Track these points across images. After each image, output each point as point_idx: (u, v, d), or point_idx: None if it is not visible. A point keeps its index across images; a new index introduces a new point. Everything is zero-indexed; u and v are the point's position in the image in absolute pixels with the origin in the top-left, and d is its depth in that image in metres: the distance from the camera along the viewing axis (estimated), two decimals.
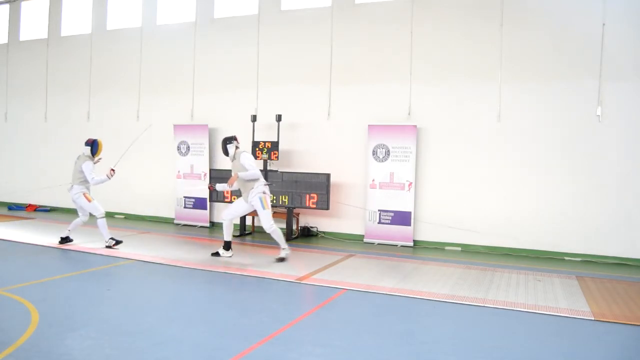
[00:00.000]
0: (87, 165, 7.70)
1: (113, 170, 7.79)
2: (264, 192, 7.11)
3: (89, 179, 7.69)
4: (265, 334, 4.21)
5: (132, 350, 3.78)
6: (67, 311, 4.70)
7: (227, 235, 7.30)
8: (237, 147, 7.29)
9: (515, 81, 8.52)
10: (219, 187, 7.43)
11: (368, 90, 9.51)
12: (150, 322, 4.51)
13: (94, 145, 7.88)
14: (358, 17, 9.67)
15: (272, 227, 7.06)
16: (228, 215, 7.30)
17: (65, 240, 7.96)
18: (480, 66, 8.74)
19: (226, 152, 7.32)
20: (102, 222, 7.71)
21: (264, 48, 10.45)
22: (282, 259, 7.17)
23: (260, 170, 9.47)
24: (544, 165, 8.34)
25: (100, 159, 8.01)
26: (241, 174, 6.96)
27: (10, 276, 5.96)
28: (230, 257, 7.29)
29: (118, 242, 7.82)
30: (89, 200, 7.75)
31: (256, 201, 7.05)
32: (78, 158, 7.89)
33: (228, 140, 7.30)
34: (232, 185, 7.08)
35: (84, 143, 7.96)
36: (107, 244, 7.75)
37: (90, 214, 7.92)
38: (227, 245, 7.33)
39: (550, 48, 8.35)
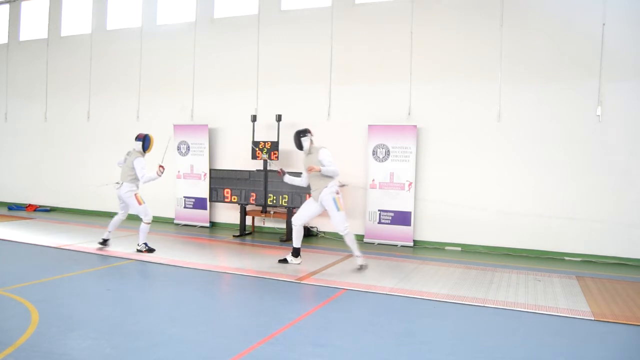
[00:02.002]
0: (139, 162, 7.31)
1: (162, 167, 7.35)
2: (338, 192, 6.61)
3: (139, 175, 7.31)
4: (265, 334, 4.21)
5: (132, 350, 3.78)
6: (67, 311, 4.70)
7: (297, 242, 6.89)
8: (311, 141, 6.82)
9: (515, 81, 8.52)
10: (287, 178, 7.05)
11: (368, 90, 9.51)
12: (150, 322, 4.51)
13: (145, 141, 7.47)
14: (358, 17, 9.67)
15: (347, 229, 6.57)
16: (298, 219, 6.81)
17: (105, 242, 7.66)
18: (480, 66, 8.74)
19: (300, 146, 6.81)
20: (145, 228, 7.41)
21: (264, 48, 10.45)
22: (362, 267, 6.67)
23: (260, 170, 9.57)
24: (544, 165, 8.34)
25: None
26: (324, 169, 6.48)
27: (10, 276, 5.96)
28: (299, 264, 6.92)
29: (151, 250, 7.46)
30: (140, 203, 7.39)
31: (329, 202, 6.55)
32: (128, 154, 7.49)
33: (302, 133, 6.79)
34: (309, 172, 6.59)
35: (134, 138, 7.60)
36: (138, 248, 7.47)
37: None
38: (296, 252, 6.93)
39: (550, 48, 8.35)
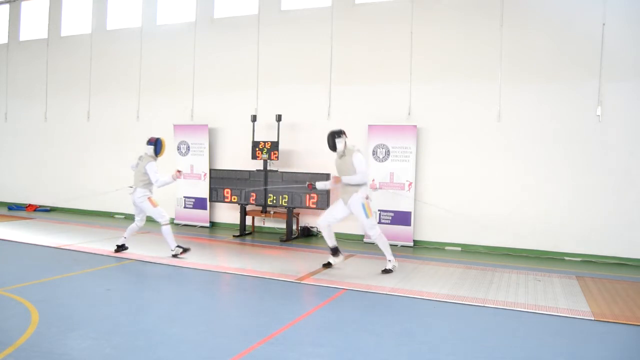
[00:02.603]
0: (152, 166, 7.10)
1: (179, 171, 7.23)
2: (367, 197, 6.45)
3: (153, 180, 7.12)
4: (265, 334, 4.21)
5: (132, 350, 3.78)
6: (67, 311, 4.70)
7: (331, 241, 6.70)
8: (346, 143, 6.59)
9: (515, 81, 8.52)
10: (320, 185, 6.87)
11: (368, 90, 9.51)
12: (150, 322, 4.51)
13: (157, 145, 7.27)
14: (358, 17, 9.67)
15: (377, 234, 6.43)
16: (324, 221, 6.65)
17: (121, 248, 7.44)
18: (480, 66, 8.74)
19: (334, 147, 6.58)
20: (166, 230, 7.15)
21: (264, 48, 10.45)
22: (388, 271, 6.54)
23: (260, 170, 9.57)
24: (544, 165, 8.34)
25: None
26: (345, 179, 6.41)
27: (10, 276, 5.96)
28: (342, 261, 6.79)
29: (186, 250, 7.23)
30: (154, 206, 7.18)
31: (358, 207, 6.40)
32: (140, 159, 7.31)
33: (337, 134, 6.56)
34: (336, 184, 6.56)
35: (145, 142, 7.40)
36: (173, 253, 7.18)
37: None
38: (335, 251, 6.73)
39: (550, 48, 8.35)
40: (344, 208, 6.58)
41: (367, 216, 6.39)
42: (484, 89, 8.70)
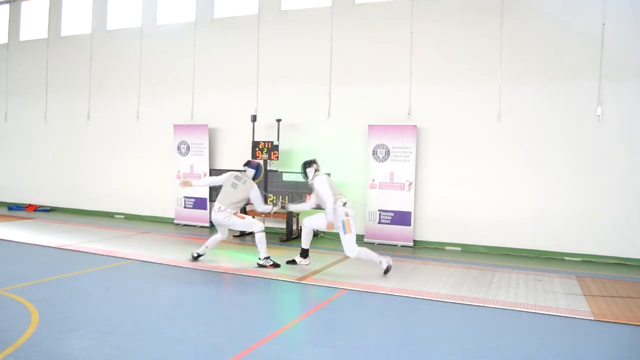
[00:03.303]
0: (257, 194, 6.88)
1: (284, 204, 7.40)
2: (347, 214, 6.41)
3: (256, 207, 6.99)
4: (265, 334, 4.21)
5: (132, 350, 3.78)
6: (67, 311, 4.70)
7: (305, 243, 6.82)
8: (316, 170, 6.82)
9: (515, 81, 8.52)
10: (292, 208, 7.19)
11: (368, 90, 9.51)
12: (150, 322, 4.51)
13: (258, 170, 7.10)
14: (358, 17, 9.67)
15: (355, 251, 6.40)
16: (310, 226, 6.80)
17: (198, 257, 7.05)
18: (480, 66, 8.74)
19: (305, 176, 6.91)
20: (260, 238, 6.75)
21: (264, 48, 10.45)
22: (387, 270, 6.46)
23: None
24: (544, 165, 8.34)
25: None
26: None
27: (10, 276, 5.95)
28: (307, 264, 6.84)
29: (276, 266, 6.74)
30: (243, 218, 6.89)
31: (338, 223, 6.43)
32: (238, 179, 6.90)
33: (307, 164, 6.84)
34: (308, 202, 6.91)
35: (243, 164, 7.22)
36: (260, 263, 6.78)
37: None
38: (305, 253, 6.86)
39: (550, 48, 8.35)
40: (325, 221, 6.53)
41: (345, 232, 6.38)
42: (484, 89, 8.70)
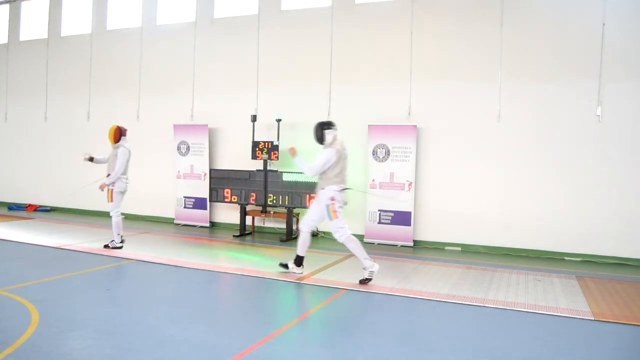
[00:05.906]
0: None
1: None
2: (332, 199, 5.92)
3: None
4: (265, 334, 4.21)
5: (132, 350, 3.78)
6: (67, 311, 4.70)
7: (301, 250, 6.22)
8: (335, 136, 6.10)
9: (515, 81, 8.52)
10: (297, 160, 6.26)
11: (368, 90, 9.50)
12: (150, 322, 4.51)
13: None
14: (358, 17, 9.67)
15: (343, 238, 5.94)
16: (304, 225, 6.24)
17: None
18: (480, 66, 8.74)
19: (321, 140, 6.12)
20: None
21: (264, 48, 10.45)
22: (365, 280, 5.93)
23: (260, 170, 9.56)
24: (544, 165, 8.34)
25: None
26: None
27: (10, 276, 5.96)
28: (300, 274, 6.28)
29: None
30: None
31: (322, 207, 6.02)
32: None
33: (326, 126, 6.09)
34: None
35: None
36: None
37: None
38: (299, 261, 6.27)
39: (550, 48, 8.35)
40: (320, 207, 6.11)
41: (330, 218, 5.96)
42: (483, 89, 8.70)
